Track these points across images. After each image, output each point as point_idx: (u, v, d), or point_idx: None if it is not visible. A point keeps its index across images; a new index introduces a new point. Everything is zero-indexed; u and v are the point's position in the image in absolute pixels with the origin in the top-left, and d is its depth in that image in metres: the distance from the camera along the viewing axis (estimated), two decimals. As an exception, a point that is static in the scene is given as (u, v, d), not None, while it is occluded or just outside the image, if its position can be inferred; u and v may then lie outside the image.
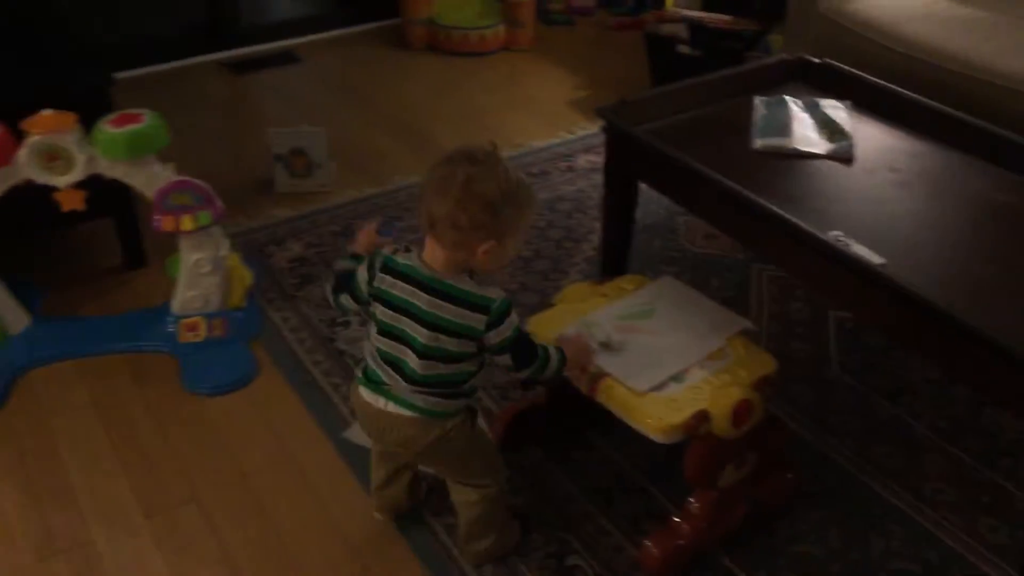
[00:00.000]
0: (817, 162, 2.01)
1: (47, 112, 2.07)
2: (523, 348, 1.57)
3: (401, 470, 1.77)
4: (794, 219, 1.72)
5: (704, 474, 1.66)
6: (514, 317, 1.53)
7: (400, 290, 1.52)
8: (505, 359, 1.56)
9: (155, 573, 1.76)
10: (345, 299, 1.61)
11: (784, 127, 2.09)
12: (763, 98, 2.21)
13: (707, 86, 2.30)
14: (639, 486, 1.91)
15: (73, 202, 2.15)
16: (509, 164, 1.49)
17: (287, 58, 3.89)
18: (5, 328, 2.26)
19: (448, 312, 1.49)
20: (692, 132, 2.14)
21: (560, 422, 2.00)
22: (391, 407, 1.56)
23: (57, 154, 2.07)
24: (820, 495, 1.88)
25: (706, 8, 3.69)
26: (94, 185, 2.17)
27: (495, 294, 1.51)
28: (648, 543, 1.70)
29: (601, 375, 1.68)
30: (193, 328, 2.29)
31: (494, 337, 1.51)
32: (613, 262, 2.27)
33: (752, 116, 2.14)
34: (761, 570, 1.74)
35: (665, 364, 1.70)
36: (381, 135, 3.33)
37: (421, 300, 1.51)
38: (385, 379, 1.56)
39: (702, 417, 1.59)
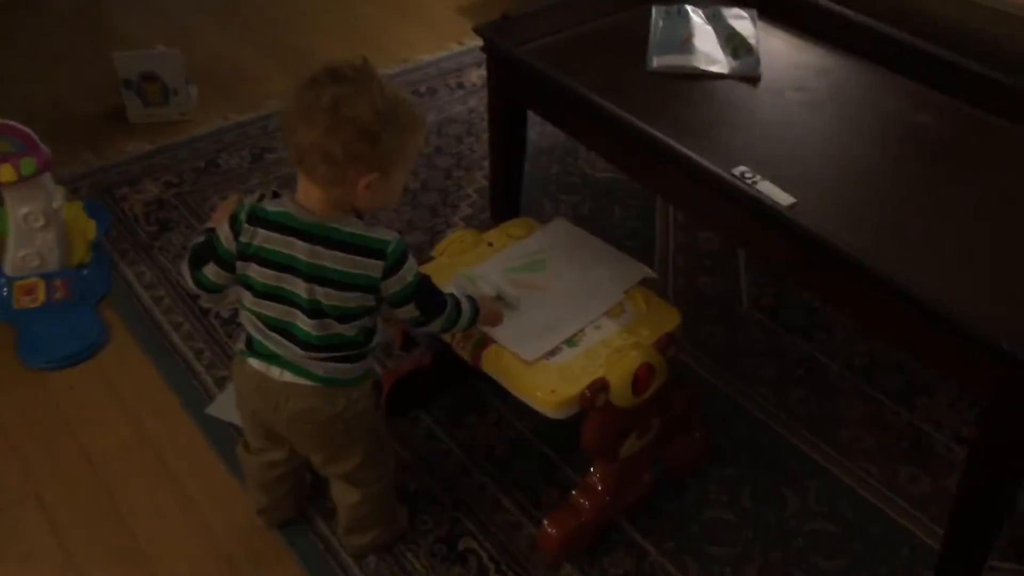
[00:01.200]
0: (720, 83, 1.80)
1: None
2: (428, 294, 1.36)
3: (284, 490, 1.56)
4: (692, 154, 1.52)
5: (604, 446, 1.50)
6: (412, 260, 1.32)
7: (275, 243, 1.27)
8: (409, 310, 1.34)
9: (-12, 589, 1.54)
10: (210, 271, 1.33)
11: (684, 43, 1.87)
12: (662, 8, 1.98)
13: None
14: (538, 451, 1.74)
15: None
16: (386, 80, 1.25)
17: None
18: None
19: (336, 261, 1.26)
20: (585, 50, 1.91)
21: (449, 384, 1.81)
22: (287, 376, 1.33)
23: None
24: (731, 450, 1.74)
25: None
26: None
27: (388, 235, 1.29)
28: (546, 523, 1.54)
29: (486, 341, 1.49)
30: (29, 291, 2.02)
31: (394, 284, 1.30)
32: (504, 200, 2.06)
33: (650, 30, 1.92)
34: (670, 540, 1.59)
35: (558, 326, 1.51)
36: (252, 54, 3.00)
37: (300, 251, 1.26)
38: (276, 349, 1.33)
39: (599, 387, 1.41)
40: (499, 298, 1.54)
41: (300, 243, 1.27)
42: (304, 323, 1.30)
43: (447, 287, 1.55)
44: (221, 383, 1.85)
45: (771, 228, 1.46)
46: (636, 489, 1.59)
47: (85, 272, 2.09)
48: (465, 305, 1.42)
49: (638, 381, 1.44)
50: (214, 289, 1.36)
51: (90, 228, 2.11)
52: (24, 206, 1.96)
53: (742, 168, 1.54)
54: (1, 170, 1.88)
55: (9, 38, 3.02)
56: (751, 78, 1.81)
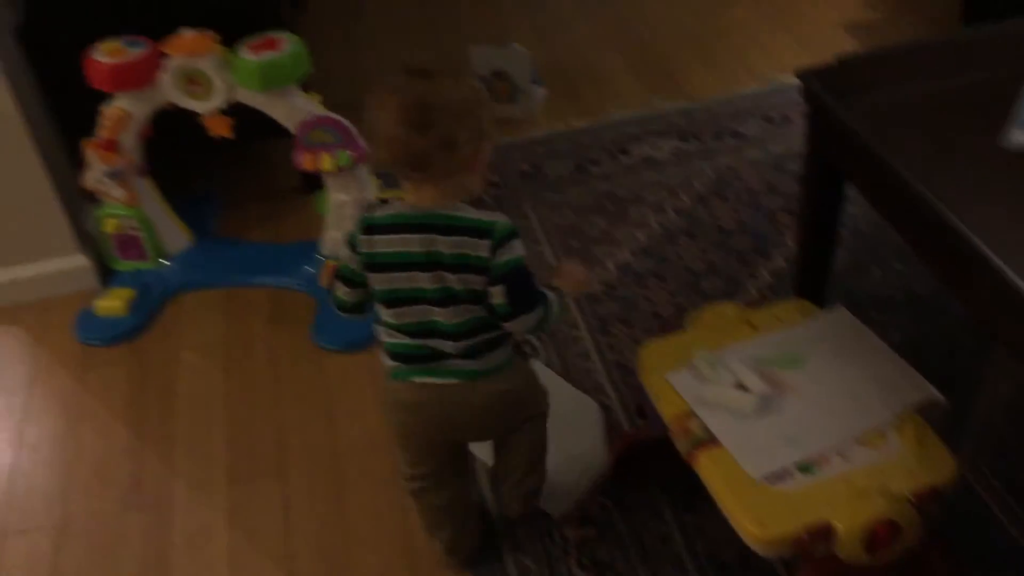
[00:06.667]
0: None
1: (187, 32, 1.93)
2: (522, 284, 1.33)
3: (467, 510, 1.55)
4: (1006, 265, 1.20)
5: (820, 601, 1.26)
6: (519, 245, 1.31)
7: (393, 244, 1.31)
8: (499, 291, 1.30)
9: (215, 551, 1.66)
10: (342, 292, 1.39)
11: (1063, 118, 1.49)
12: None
13: (979, 44, 1.71)
14: (770, 568, 1.51)
15: (219, 128, 2.03)
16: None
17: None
18: (164, 249, 2.23)
19: (446, 246, 1.29)
20: (935, 112, 1.58)
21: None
22: (451, 380, 1.36)
23: (197, 79, 1.94)
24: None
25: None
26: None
27: (498, 216, 1.31)
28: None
29: (708, 440, 1.31)
30: (336, 273, 2.14)
31: (500, 256, 1.29)
32: (809, 276, 1.79)
33: (1020, 97, 1.55)
34: None
35: (797, 441, 1.29)
36: (610, 54, 2.94)
37: (414, 244, 1.30)
38: (427, 358, 1.36)
39: (822, 533, 1.18)
40: (739, 387, 1.35)
41: (413, 236, 1.29)
42: (440, 315, 1.32)
43: (685, 366, 1.40)
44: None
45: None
46: (861, 654, 1.33)
47: (390, 261, 2.17)
48: (554, 304, 1.38)
49: (875, 538, 1.18)
50: (343, 307, 1.41)
51: (398, 221, 2.19)
52: (340, 194, 2.07)
53: (1081, 302, 1.19)
54: (322, 159, 1.99)
55: (363, 21, 3.22)
56: None
